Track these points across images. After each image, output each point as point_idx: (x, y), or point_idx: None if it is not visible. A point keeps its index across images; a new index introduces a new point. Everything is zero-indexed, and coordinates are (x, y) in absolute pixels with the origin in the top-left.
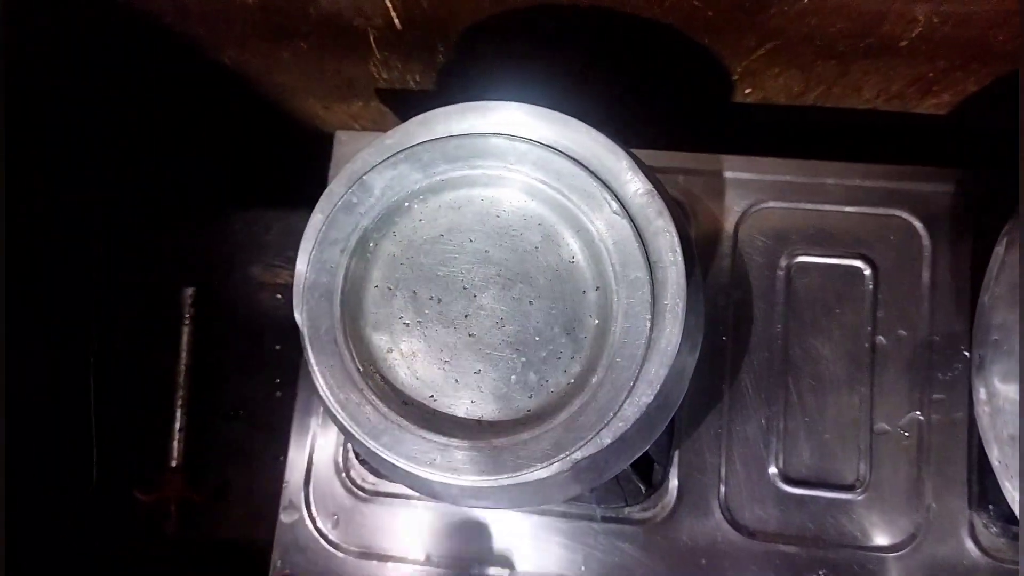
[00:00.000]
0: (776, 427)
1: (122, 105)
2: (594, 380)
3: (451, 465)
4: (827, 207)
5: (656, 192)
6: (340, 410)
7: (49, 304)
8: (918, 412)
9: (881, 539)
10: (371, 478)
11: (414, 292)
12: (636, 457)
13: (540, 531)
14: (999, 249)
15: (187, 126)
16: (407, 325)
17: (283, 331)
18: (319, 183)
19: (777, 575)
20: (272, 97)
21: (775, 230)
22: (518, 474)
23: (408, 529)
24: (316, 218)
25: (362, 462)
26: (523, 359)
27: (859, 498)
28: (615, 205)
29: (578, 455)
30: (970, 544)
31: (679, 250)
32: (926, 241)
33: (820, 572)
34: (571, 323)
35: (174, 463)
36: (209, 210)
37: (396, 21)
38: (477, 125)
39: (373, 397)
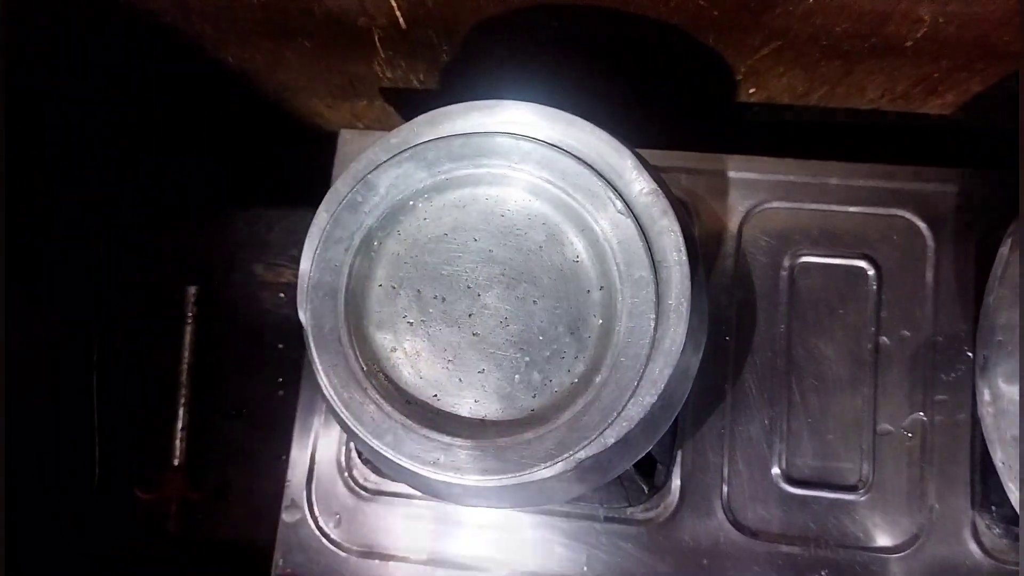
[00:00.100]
0: (779, 427)
1: (122, 105)
2: (598, 380)
3: (454, 465)
4: (831, 207)
5: (660, 191)
6: (343, 409)
7: (50, 304)
8: (921, 413)
9: (884, 540)
10: (373, 477)
11: (418, 291)
12: (640, 457)
13: (542, 531)
14: (1003, 250)
15: (188, 126)
16: (411, 324)
17: (285, 330)
18: (321, 182)
19: (779, 575)
20: (275, 96)
21: (779, 230)
22: (522, 474)
23: (410, 529)
24: (320, 217)
25: (365, 461)
26: (527, 358)
27: (862, 499)
28: (619, 204)
29: (582, 455)
30: (973, 545)
31: (683, 250)
32: (930, 242)
33: (822, 573)
34: (575, 322)
35: (176, 462)
36: (210, 209)
37: (400, 20)
38: (482, 124)
39: (377, 396)
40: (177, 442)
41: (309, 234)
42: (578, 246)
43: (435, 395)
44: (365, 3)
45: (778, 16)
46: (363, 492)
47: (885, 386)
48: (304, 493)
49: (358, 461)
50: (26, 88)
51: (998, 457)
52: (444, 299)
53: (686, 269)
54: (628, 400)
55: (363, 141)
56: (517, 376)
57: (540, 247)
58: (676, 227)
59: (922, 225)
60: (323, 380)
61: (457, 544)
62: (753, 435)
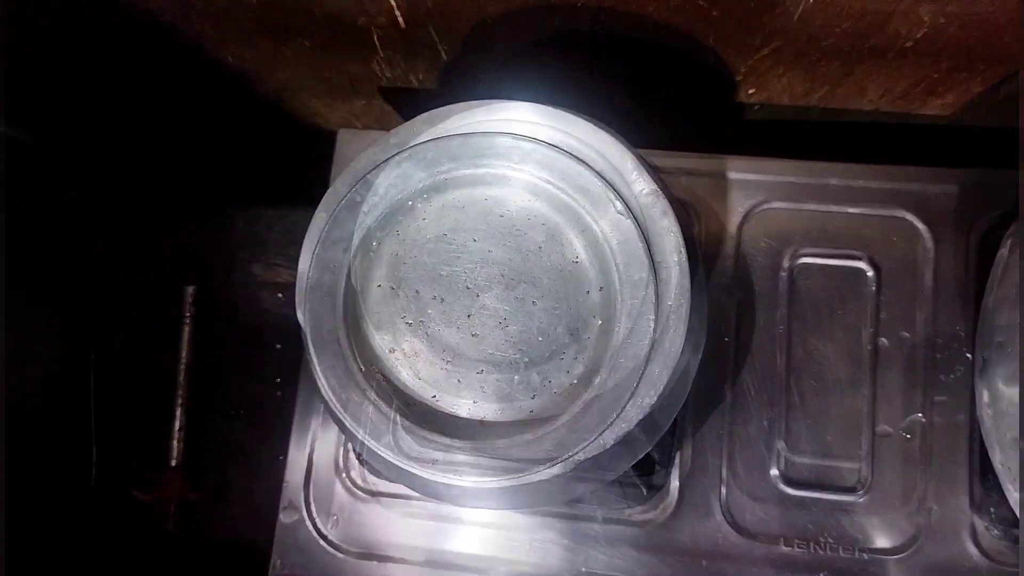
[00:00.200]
0: (778, 428)
1: (122, 105)
2: (597, 381)
3: (453, 466)
4: (830, 208)
5: (661, 192)
6: (342, 410)
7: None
8: (920, 414)
9: (882, 541)
10: (372, 478)
11: (417, 291)
12: (639, 458)
13: (541, 532)
14: (1003, 251)
15: (187, 125)
16: (410, 325)
17: (284, 330)
18: (320, 182)
19: None
20: (274, 95)
21: (778, 231)
22: (520, 476)
23: (408, 530)
24: (319, 217)
25: (363, 462)
26: (526, 359)
27: (860, 500)
28: (619, 205)
29: (580, 456)
30: (971, 547)
31: (683, 251)
32: (929, 243)
33: (821, 574)
34: (574, 323)
35: (173, 463)
36: (210, 209)
37: (400, 19)
38: (482, 124)
39: (375, 397)
40: (175, 442)
41: (308, 234)
42: (578, 247)
43: (434, 396)
44: (364, 2)
45: (778, 16)
46: (361, 493)
47: (884, 387)
48: (302, 494)
49: (356, 462)
50: (26, 88)
51: (997, 459)
52: (443, 300)
53: (686, 270)
54: (627, 401)
55: (362, 141)
56: (516, 377)
57: (539, 248)
58: (676, 228)
59: (922, 226)
60: (321, 381)
61: (455, 545)
62: (752, 436)
